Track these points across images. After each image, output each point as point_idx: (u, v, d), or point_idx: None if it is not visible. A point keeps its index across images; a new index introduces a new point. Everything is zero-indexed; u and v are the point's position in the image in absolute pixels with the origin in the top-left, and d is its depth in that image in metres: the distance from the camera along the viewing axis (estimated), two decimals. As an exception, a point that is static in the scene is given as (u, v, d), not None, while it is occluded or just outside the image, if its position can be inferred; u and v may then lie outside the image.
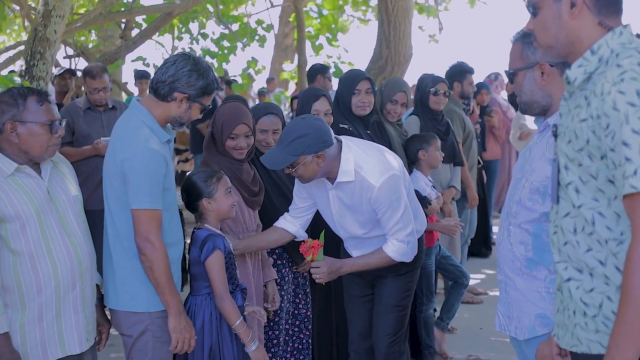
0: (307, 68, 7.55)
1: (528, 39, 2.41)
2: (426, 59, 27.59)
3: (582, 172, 1.82)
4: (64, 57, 9.66)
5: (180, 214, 2.97)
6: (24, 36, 10.90)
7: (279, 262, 3.57)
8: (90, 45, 11.44)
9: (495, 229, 7.38)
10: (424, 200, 4.12)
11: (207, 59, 8.96)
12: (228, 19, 10.14)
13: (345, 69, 10.46)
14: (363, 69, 7.09)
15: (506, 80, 5.50)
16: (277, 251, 3.55)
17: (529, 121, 7.31)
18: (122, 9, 8.92)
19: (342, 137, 3.16)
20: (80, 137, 4.97)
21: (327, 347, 3.96)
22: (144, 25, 9.75)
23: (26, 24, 7.68)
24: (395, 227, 3.12)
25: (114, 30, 11.11)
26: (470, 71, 5.78)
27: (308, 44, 10.62)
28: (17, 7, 8.16)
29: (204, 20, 11.00)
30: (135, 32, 9.86)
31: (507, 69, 2.51)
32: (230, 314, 2.91)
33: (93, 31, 11.37)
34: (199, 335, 2.87)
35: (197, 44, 10.95)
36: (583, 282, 1.86)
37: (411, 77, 17.29)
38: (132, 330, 2.78)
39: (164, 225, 2.72)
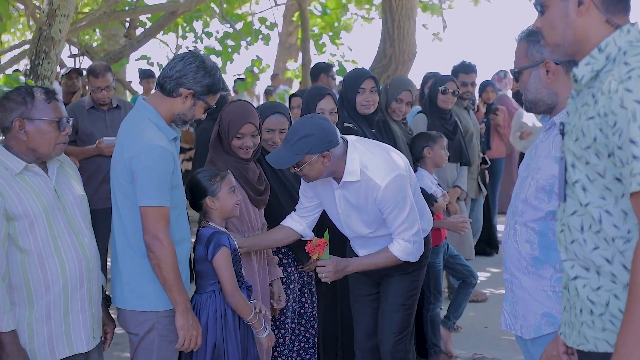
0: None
1: (533, 38, 2.41)
2: (430, 57, 27.60)
3: (590, 170, 1.82)
4: (69, 56, 9.70)
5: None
6: (29, 35, 10.93)
7: (284, 261, 3.57)
8: (95, 44, 11.48)
9: (499, 227, 7.36)
10: (430, 198, 4.11)
11: (212, 57, 8.96)
12: (232, 17, 10.15)
13: (349, 67, 10.48)
14: (367, 68, 7.08)
15: (513, 77, 5.48)
16: (282, 250, 3.55)
17: (529, 120, 7.29)
18: (127, 8, 8.94)
19: (348, 137, 3.16)
20: (83, 136, 4.98)
21: (333, 346, 3.96)
22: (148, 24, 9.77)
23: (31, 23, 7.70)
24: (401, 227, 3.12)
25: (118, 29, 11.14)
26: (464, 71, 5.72)
27: (312, 42, 10.62)
28: (22, 7, 8.19)
29: (208, 19, 11.02)
30: (139, 31, 9.89)
31: (513, 68, 2.51)
32: (243, 308, 2.93)
33: (97, 30, 11.40)
34: (204, 332, 2.87)
35: (201, 42, 10.98)
36: (590, 280, 1.86)
37: (415, 76, 17.31)
38: (138, 328, 2.78)
39: (171, 223, 2.72)
